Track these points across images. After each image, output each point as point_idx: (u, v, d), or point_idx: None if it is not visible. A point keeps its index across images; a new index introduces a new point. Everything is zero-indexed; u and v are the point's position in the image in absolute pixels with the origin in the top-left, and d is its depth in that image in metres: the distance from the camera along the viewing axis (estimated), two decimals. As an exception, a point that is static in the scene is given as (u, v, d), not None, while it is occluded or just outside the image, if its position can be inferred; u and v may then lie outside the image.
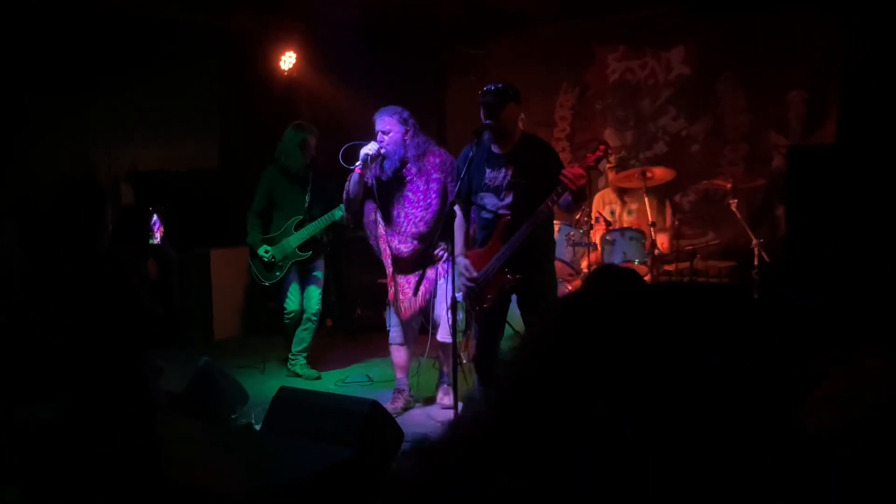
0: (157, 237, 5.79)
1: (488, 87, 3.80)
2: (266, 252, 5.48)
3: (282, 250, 5.49)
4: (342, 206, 4.88)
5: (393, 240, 4.58)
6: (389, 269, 4.66)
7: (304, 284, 5.65)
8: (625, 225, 5.92)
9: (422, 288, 4.47)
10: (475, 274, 3.87)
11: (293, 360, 5.68)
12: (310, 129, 5.57)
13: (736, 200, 5.63)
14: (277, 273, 5.54)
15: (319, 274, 5.68)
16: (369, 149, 4.43)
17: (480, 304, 3.89)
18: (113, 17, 6.24)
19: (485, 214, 3.92)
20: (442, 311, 4.54)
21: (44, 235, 2.83)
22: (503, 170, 3.83)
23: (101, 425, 2.62)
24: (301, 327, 5.65)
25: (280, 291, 5.67)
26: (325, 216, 5.41)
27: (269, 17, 7.20)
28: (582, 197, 3.67)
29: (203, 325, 7.02)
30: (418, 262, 4.48)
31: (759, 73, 6.20)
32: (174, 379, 4.14)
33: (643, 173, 5.59)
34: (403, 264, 4.61)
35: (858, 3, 5.60)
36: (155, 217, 5.79)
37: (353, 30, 7.14)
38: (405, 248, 4.55)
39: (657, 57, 6.69)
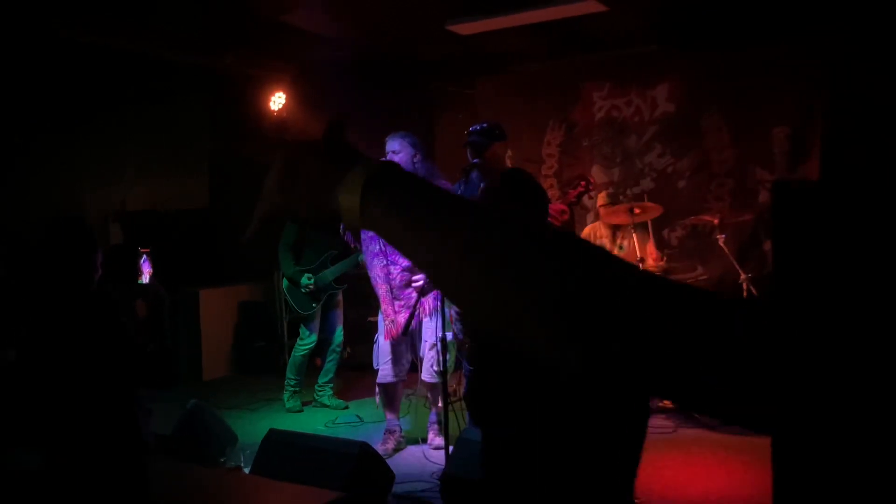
0: (146, 277, 5.77)
1: (474, 127, 3.85)
2: (309, 280, 5.60)
3: (320, 282, 5.64)
4: None
5: (392, 270, 4.57)
6: (385, 299, 4.63)
7: (327, 317, 5.82)
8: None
9: (411, 308, 4.48)
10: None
11: (320, 391, 5.86)
12: None
13: (723, 235, 5.68)
14: (314, 304, 5.69)
15: (341, 309, 5.90)
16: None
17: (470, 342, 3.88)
18: (104, 56, 6.29)
19: None
20: (426, 350, 4.53)
21: (32, 275, 2.81)
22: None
23: (89, 469, 2.58)
24: (328, 358, 5.83)
25: (302, 323, 5.79)
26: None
27: (258, 58, 7.28)
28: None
29: (192, 366, 6.97)
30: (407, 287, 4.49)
31: (744, 110, 6.29)
32: (163, 420, 4.09)
33: (630, 209, 5.63)
34: (398, 289, 4.58)
35: (841, 39, 5.71)
36: (144, 257, 5.78)
37: (342, 70, 7.22)
38: (396, 270, 4.52)
39: (642, 94, 6.78)
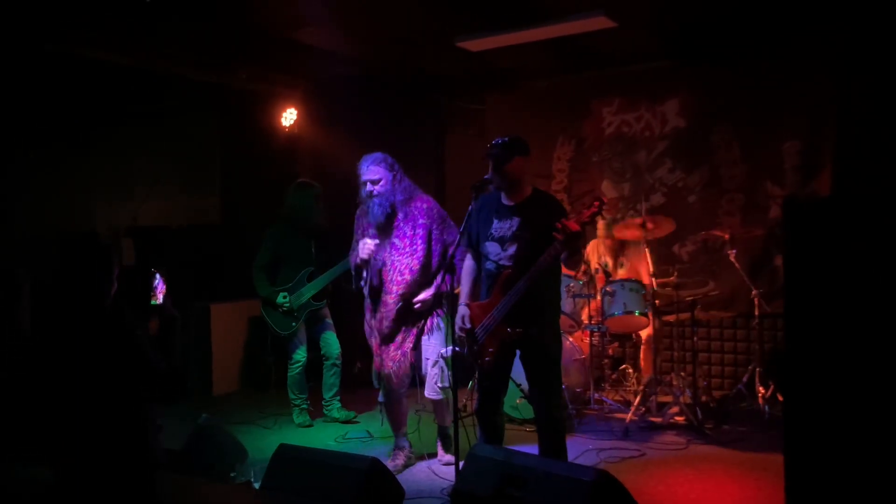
0: (160, 297, 5.82)
1: (496, 140, 3.86)
2: (285, 298, 5.61)
3: (297, 300, 5.63)
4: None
5: (379, 304, 4.54)
6: (375, 342, 4.61)
7: (317, 332, 5.82)
8: (619, 277, 5.95)
9: (406, 345, 4.47)
10: (468, 325, 3.86)
11: (328, 405, 5.85)
12: (315, 184, 5.85)
13: (734, 250, 5.66)
14: (294, 324, 5.69)
15: (330, 320, 5.88)
16: (364, 253, 4.42)
17: (481, 358, 3.83)
18: (114, 72, 6.36)
19: (488, 265, 3.91)
20: (428, 368, 4.52)
21: (49, 292, 2.83)
22: (509, 221, 3.84)
23: (99, 484, 2.58)
24: (328, 373, 5.83)
25: (286, 343, 5.80)
26: (340, 264, 5.55)
27: (269, 75, 7.34)
28: (576, 252, 3.69)
29: (202, 381, 6.98)
30: (400, 320, 4.46)
31: (754, 125, 6.28)
32: (173, 436, 4.09)
33: (643, 224, 5.63)
34: (387, 330, 4.51)
35: (851, 54, 5.71)
36: (157, 277, 5.84)
37: (353, 87, 7.27)
38: (391, 299, 4.45)
39: (652, 110, 6.79)
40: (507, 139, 3.84)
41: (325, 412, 5.84)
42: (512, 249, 3.80)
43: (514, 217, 3.83)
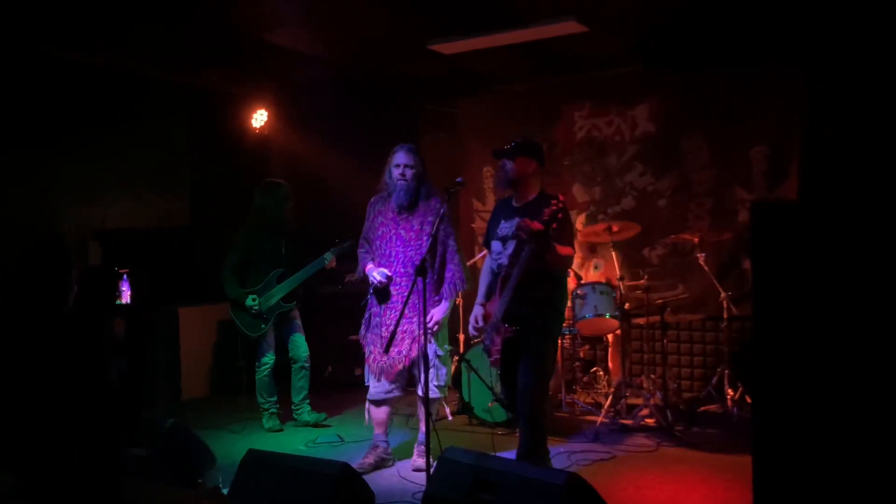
0: (126, 298, 5.76)
1: (512, 143, 4.07)
2: (254, 300, 5.56)
3: (266, 302, 5.59)
4: (332, 252, 5.48)
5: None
6: (379, 335, 4.60)
7: (286, 334, 5.77)
8: (591, 280, 5.98)
9: (405, 343, 4.47)
10: (481, 324, 4.12)
11: (297, 409, 5.79)
12: (284, 184, 5.82)
13: (704, 254, 5.72)
14: (263, 326, 5.65)
15: (300, 322, 5.83)
16: (378, 277, 4.49)
17: (492, 356, 4.04)
18: (84, 72, 6.26)
19: (493, 265, 4.16)
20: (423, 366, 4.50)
21: (8, 294, 2.77)
22: (512, 221, 4.02)
23: (64, 491, 2.54)
24: (297, 376, 5.77)
25: (254, 346, 5.76)
26: (313, 263, 5.59)
27: (241, 76, 7.28)
28: (546, 250, 3.78)
29: (170, 385, 6.88)
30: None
31: (723, 130, 6.36)
32: (140, 440, 4.03)
33: (609, 228, 5.67)
34: (393, 324, 4.52)
35: (817, 59, 5.80)
36: (124, 278, 5.78)
37: (324, 89, 7.23)
38: (396, 290, 4.51)
39: (622, 114, 6.84)
40: (519, 141, 4.08)
41: (295, 416, 5.79)
42: (510, 248, 3.99)
43: (517, 217, 4.00)
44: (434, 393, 4.54)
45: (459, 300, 5.97)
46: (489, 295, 4.20)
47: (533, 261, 3.79)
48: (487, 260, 4.31)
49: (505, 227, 4.08)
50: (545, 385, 4.11)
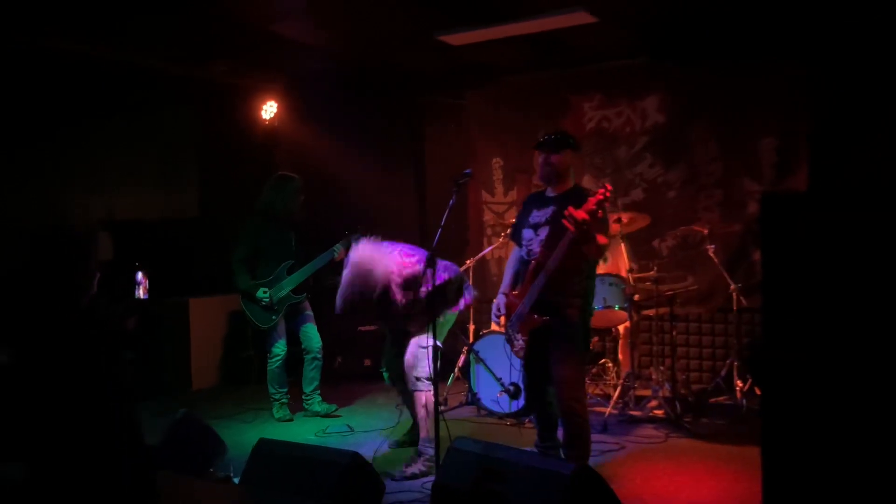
0: (142, 291, 5.80)
1: (549, 135, 4.09)
2: (265, 293, 5.59)
3: (277, 294, 5.62)
4: (341, 244, 5.46)
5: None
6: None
7: (297, 325, 5.80)
8: (600, 271, 5.97)
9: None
10: (503, 312, 4.12)
11: (308, 399, 5.82)
12: (296, 177, 5.84)
13: (713, 246, 5.71)
14: (274, 317, 5.68)
15: (311, 313, 5.85)
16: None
17: (515, 348, 4.06)
18: (92, 65, 6.27)
19: (522, 253, 4.12)
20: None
21: (22, 288, 2.79)
22: (546, 209, 4.04)
23: (72, 483, 2.56)
24: (309, 366, 5.80)
25: (265, 337, 5.77)
26: (323, 255, 5.60)
27: (248, 68, 7.28)
28: (586, 240, 3.72)
29: (181, 375, 6.93)
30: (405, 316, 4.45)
31: (731, 121, 6.32)
32: (152, 430, 4.06)
33: (618, 219, 5.66)
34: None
35: (826, 50, 5.76)
36: (139, 273, 5.82)
37: (331, 80, 7.23)
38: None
39: (632, 105, 6.81)
40: (559, 133, 4.09)
41: (306, 406, 5.82)
42: (543, 234, 3.98)
43: (551, 206, 4.02)
44: (413, 385, 4.45)
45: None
46: (514, 284, 4.18)
47: (571, 249, 3.77)
48: (514, 250, 4.28)
49: (537, 216, 4.05)
50: (582, 377, 4.11)
